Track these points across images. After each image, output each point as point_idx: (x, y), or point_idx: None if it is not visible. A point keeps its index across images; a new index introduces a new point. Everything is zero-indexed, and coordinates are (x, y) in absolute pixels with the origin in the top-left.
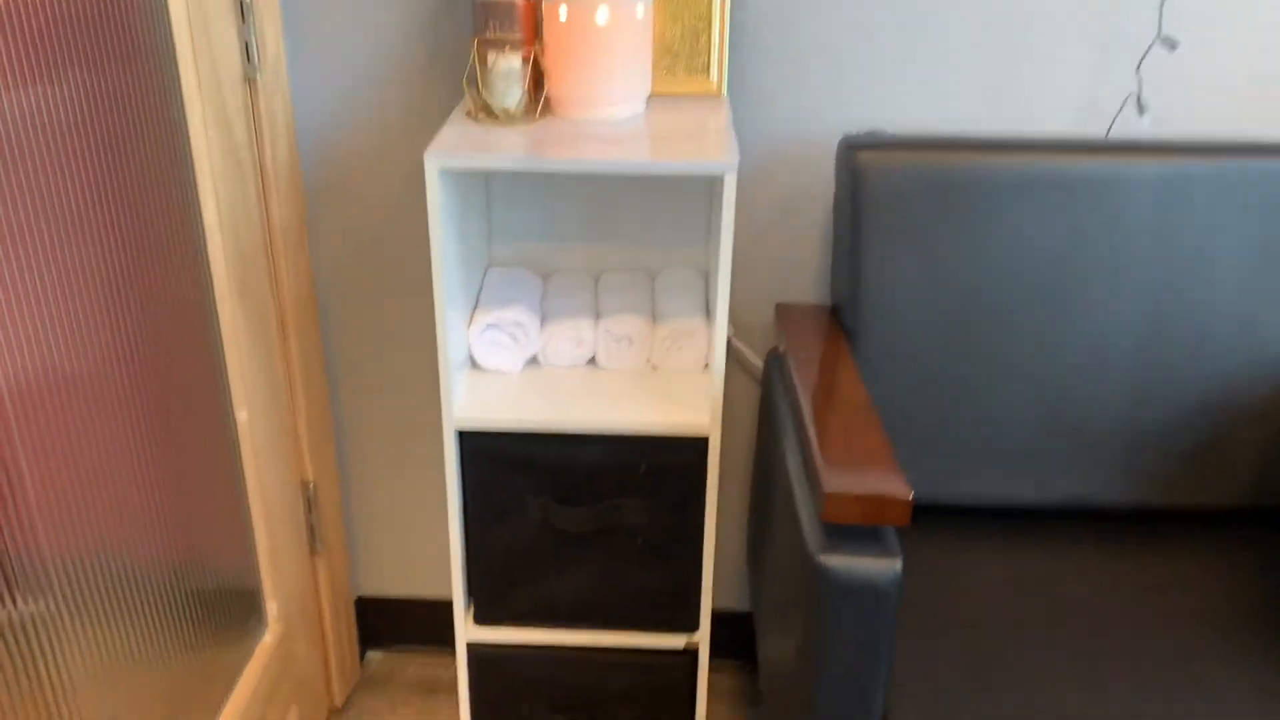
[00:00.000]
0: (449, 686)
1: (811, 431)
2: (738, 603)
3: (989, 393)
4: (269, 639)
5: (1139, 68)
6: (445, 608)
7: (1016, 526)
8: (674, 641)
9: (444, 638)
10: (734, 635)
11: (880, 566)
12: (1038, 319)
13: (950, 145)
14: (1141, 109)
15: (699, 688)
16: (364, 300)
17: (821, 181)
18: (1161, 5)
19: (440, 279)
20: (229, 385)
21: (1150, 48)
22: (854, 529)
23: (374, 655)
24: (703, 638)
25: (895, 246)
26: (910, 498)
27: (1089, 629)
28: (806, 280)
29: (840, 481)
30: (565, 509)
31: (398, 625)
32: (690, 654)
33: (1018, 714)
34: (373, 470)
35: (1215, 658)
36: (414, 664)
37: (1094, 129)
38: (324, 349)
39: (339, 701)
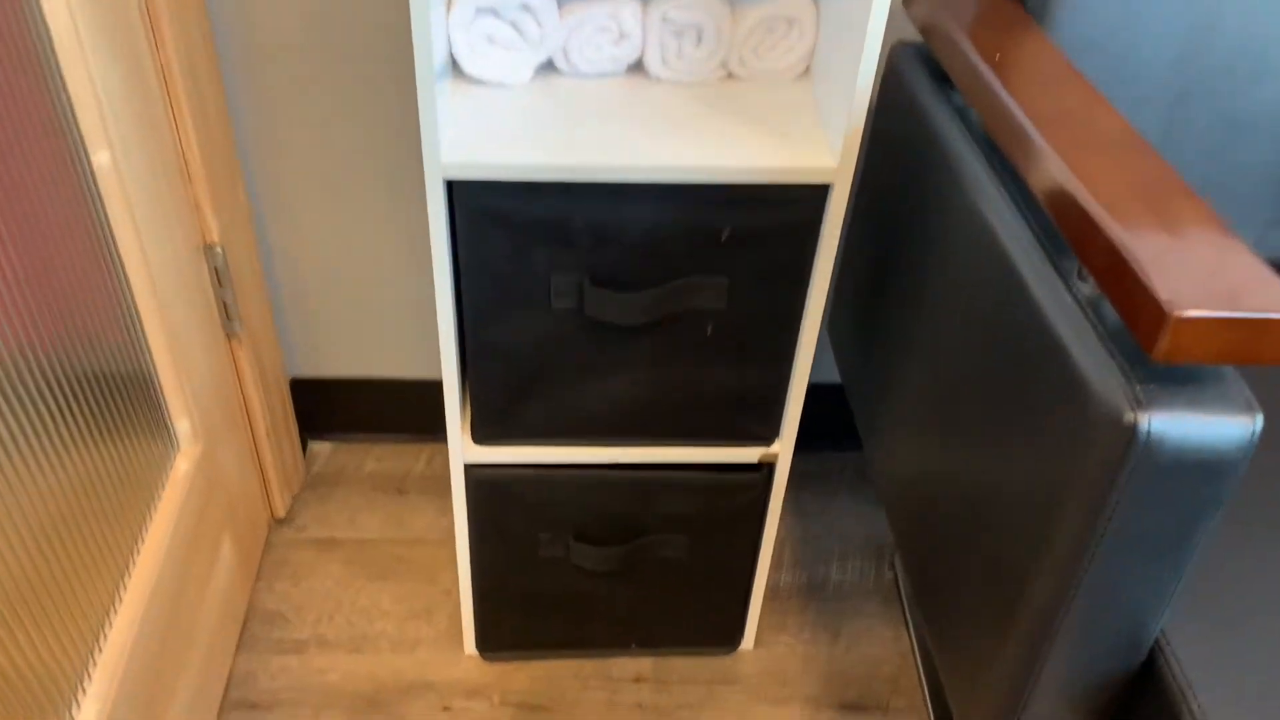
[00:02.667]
0: (422, 486)
1: (1081, 190)
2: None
3: (1224, 104)
4: (183, 464)
5: None
6: (409, 389)
7: None
8: (746, 455)
9: (408, 424)
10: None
11: (1235, 428)
12: None
13: None
14: None
15: (771, 507)
16: None
17: None
18: None
19: None
20: (74, 114)
21: None
22: (1177, 372)
23: (319, 448)
24: (785, 449)
25: None
26: None
27: None
28: None
29: (1194, 296)
30: (608, 294)
31: (348, 410)
32: (766, 468)
33: None
34: (301, 224)
35: None
36: (371, 456)
37: None
38: (217, 51)
39: (280, 510)
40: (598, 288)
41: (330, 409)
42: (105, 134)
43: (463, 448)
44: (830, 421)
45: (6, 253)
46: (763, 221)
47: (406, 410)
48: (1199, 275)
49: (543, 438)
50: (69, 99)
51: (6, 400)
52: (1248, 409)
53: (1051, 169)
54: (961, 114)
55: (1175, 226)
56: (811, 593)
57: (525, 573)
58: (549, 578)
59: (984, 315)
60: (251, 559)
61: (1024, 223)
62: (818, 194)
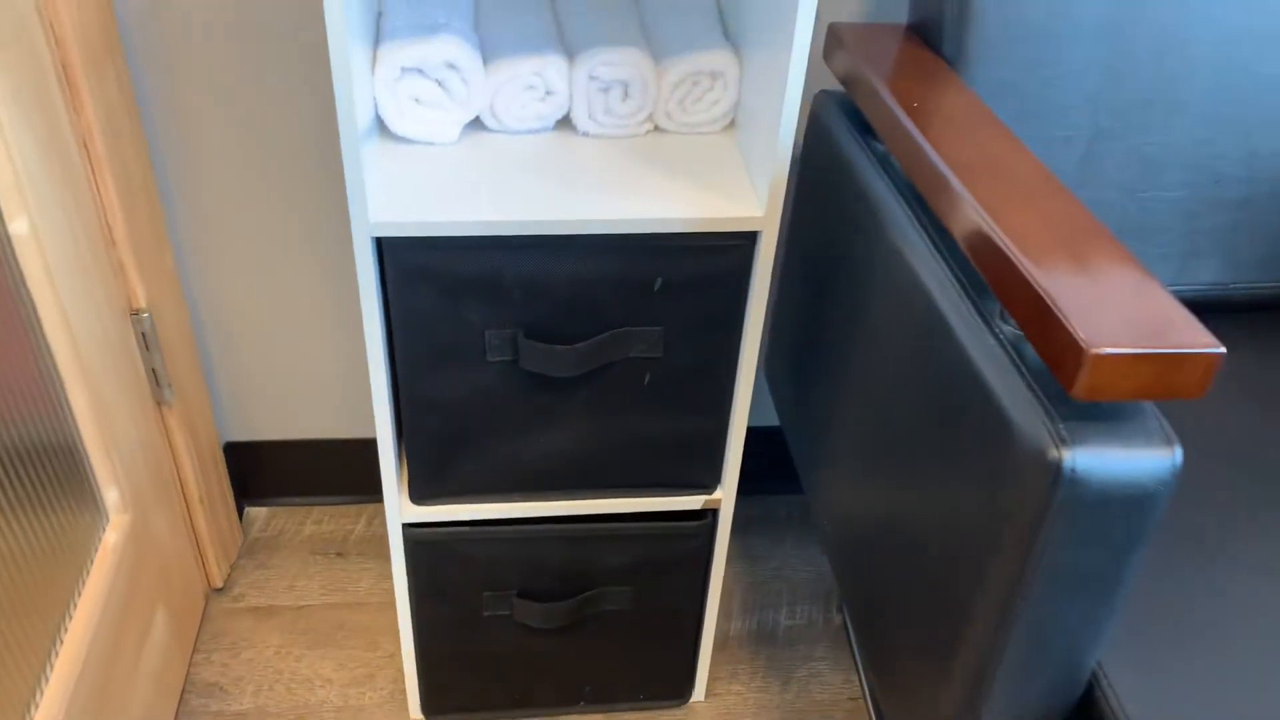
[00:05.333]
0: (361, 548)
1: (998, 233)
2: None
3: (1136, 142)
4: (113, 535)
5: None
6: (344, 449)
7: None
8: (688, 503)
9: (346, 486)
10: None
11: (1155, 460)
12: (1211, 38)
13: None
14: None
15: (716, 553)
16: (192, 22)
17: None
18: None
19: None
20: None
21: None
22: (1099, 408)
23: (256, 513)
24: (727, 495)
25: None
26: (1221, 351)
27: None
28: None
29: (1112, 335)
30: (543, 346)
31: (284, 474)
32: (709, 515)
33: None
34: (230, 286)
35: None
36: (309, 520)
37: None
38: (140, 112)
39: (217, 579)
40: (532, 341)
41: (266, 473)
42: (23, 201)
43: (400, 507)
44: (775, 465)
45: None
46: (694, 270)
47: (344, 471)
48: (1116, 314)
49: (482, 494)
50: None
51: None
52: (1167, 443)
53: (970, 214)
54: (883, 161)
55: (1092, 267)
56: (761, 640)
57: (469, 633)
58: (494, 637)
59: (910, 358)
60: (188, 630)
61: (947, 267)
62: (746, 241)
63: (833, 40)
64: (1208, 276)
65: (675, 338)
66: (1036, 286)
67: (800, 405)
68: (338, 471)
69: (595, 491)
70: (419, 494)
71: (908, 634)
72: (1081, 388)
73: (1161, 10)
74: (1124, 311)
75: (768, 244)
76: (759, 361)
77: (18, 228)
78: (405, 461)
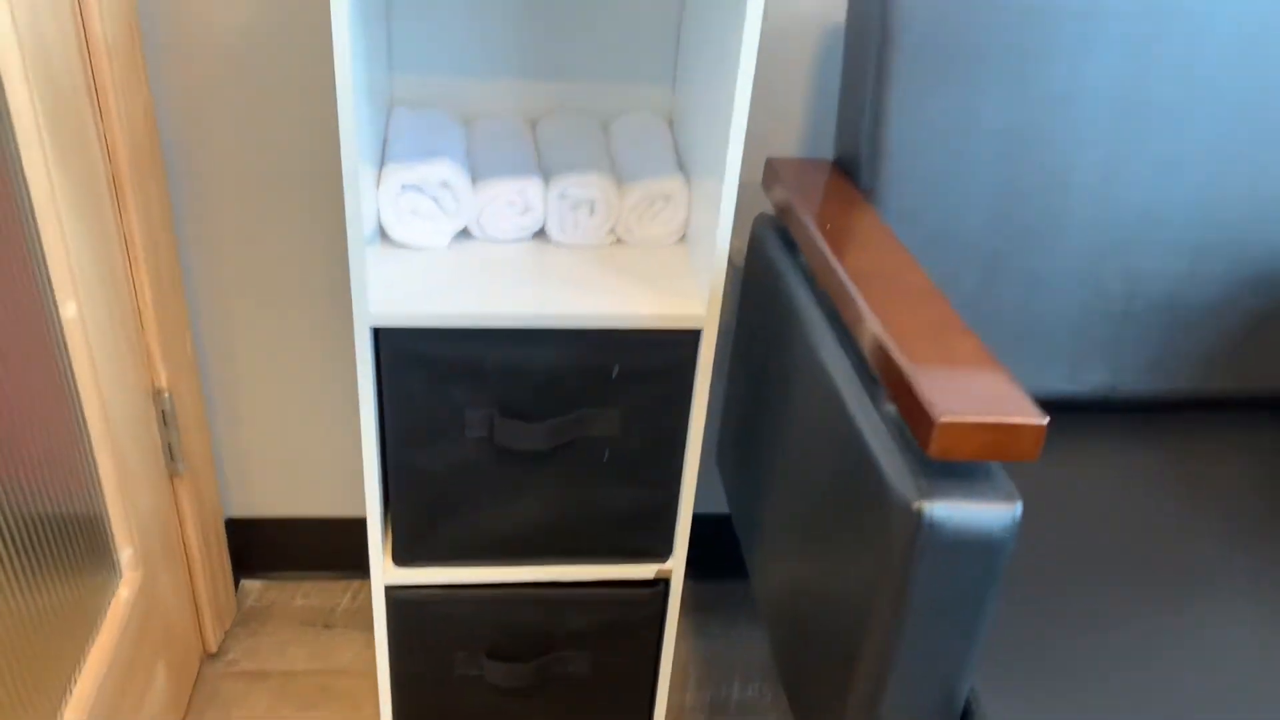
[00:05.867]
0: (347, 620)
1: (885, 333)
2: (699, 506)
3: (1027, 263)
4: (125, 592)
5: None
6: (335, 527)
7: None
8: (643, 571)
9: (334, 561)
10: (697, 542)
11: (999, 513)
12: (1091, 172)
13: None
14: None
15: (668, 621)
16: (224, 146)
17: (811, 3)
18: None
19: (350, 120)
20: (48, 269)
21: None
22: (956, 467)
23: (250, 586)
24: (677, 565)
25: (929, 84)
26: (1044, 423)
27: (1136, 531)
28: (788, 130)
29: (959, 407)
30: (515, 424)
31: (278, 549)
32: (661, 584)
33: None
34: (241, 370)
35: (1273, 551)
36: (299, 593)
37: None
38: (174, 215)
39: (212, 645)
40: (507, 419)
41: (262, 547)
42: (73, 288)
43: (384, 570)
44: (731, 550)
45: None
46: (646, 361)
47: (334, 548)
48: (962, 392)
49: (458, 559)
50: (44, 256)
51: None
52: (1009, 498)
53: (863, 314)
54: (805, 272)
55: (950, 358)
56: (714, 712)
57: (442, 692)
58: (465, 697)
59: (820, 438)
60: (183, 691)
61: (848, 360)
62: (691, 337)
63: (770, 172)
64: (1096, 379)
65: (631, 420)
66: (905, 371)
67: (742, 491)
68: (328, 548)
69: (559, 558)
70: (401, 557)
71: (821, 678)
72: (934, 449)
73: (1044, 152)
74: (969, 390)
75: (708, 340)
76: (713, 452)
77: (67, 312)
78: (390, 528)
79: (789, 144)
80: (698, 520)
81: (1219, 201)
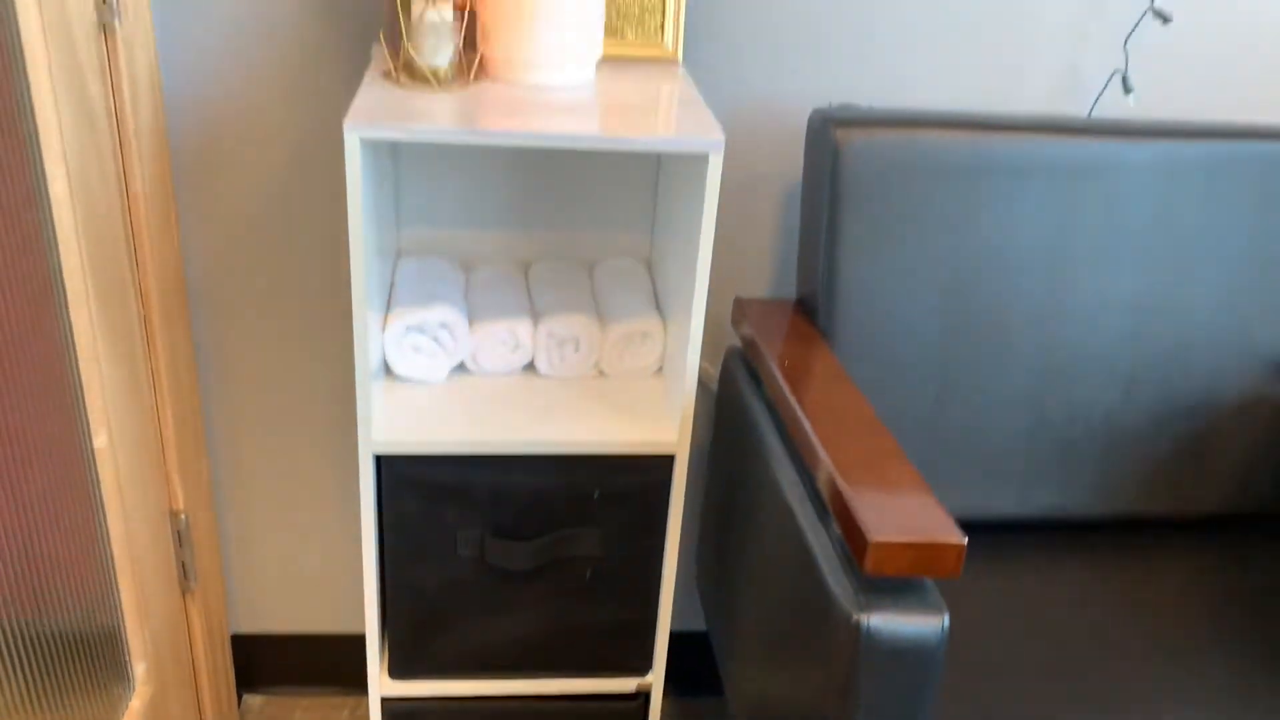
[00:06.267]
0: None
1: (829, 462)
2: (680, 623)
3: (974, 394)
4: (136, 703)
5: (1126, 42)
6: (336, 644)
7: (995, 542)
8: (623, 685)
9: (334, 678)
10: (678, 659)
11: (928, 624)
12: (1027, 311)
13: (936, 122)
14: (1128, 86)
15: None
16: (244, 294)
17: (777, 159)
18: None
19: (360, 273)
20: (84, 401)
21: (1140, 20)
22: (892, 582)
23: (252, 700)
24: (657, 679)
25: (875, 233)
26: (964, 542)
27: (1070, 647)
28: (758, 273)
29: (888, 528)
30: (503, 543)
31: (280, 665)
32: (642, 697)
33: None
34: (251, 494)
35: (1202, 667)
36: (299, 708)
37: (1074, 107)
38: (196, 353)
39: None
40: (496, 539)
41: (265, 663)
42: (105, 419)
43: (380, 684)
44: (713, 668)
45: (21, 521)
46: (625, 484)
47: (334, 664)
48: (893, 516)
49: (450, 673)
50: (82, 392)
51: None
52: (938, 611)
53: (813, 445)
54: (767, 404)
55: (886, 485)
56: None
57: None
58: None
59: (779, 556)
60: None
61: (801, 484)
62: (665, 462)
63: (738, 311)
64: (1045, 501)
65: (611, 539)
66: (845, 496)
67: (717, 607)
68: (328, 664)
69: (546, 672)
70: (397, 671)
71: None
72: (869, 566)
73: (983, 295)
74: (900, 514)
75: (681, 465)
76: (692, 573)
77: (99, 441)
78: (387, 642)
79: (761, 282)
80: (679, 637)
81: (1146, 337)
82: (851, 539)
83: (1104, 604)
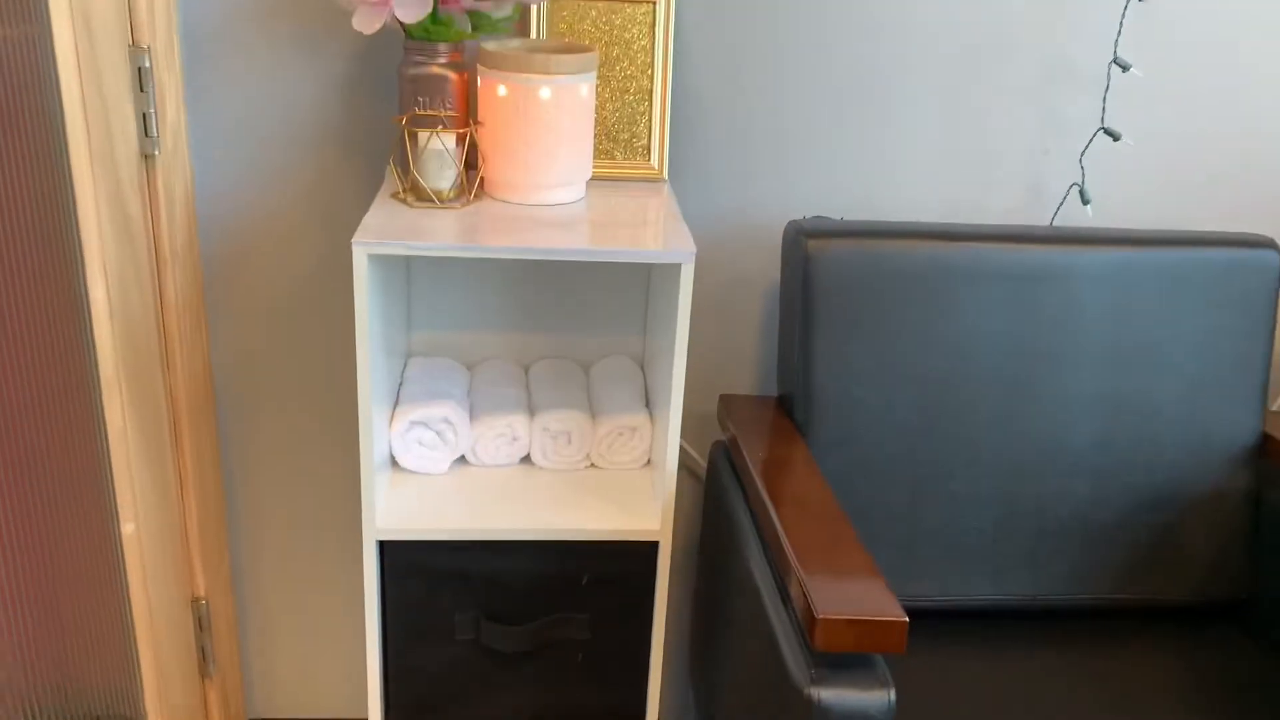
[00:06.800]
0: None
1: (788, 546)
2: (679, 717)
3: (946, 487)
4: None
5: (1082, 158)
6: None
7: (973, 628)
8: None
9: None
10: None
11: (875, 698)
12: (994, 409)
13: (901, 233)
14: (1085, 198)
15: None
16: (266, 393)
17: (760, 268)
18: (1104, 97)
19: (365, 373)
20: (114, 492)
21: (1093, 139)
22: (842, 657)
23: None
24: None
25: (847, 336)
26: (906, 620)
27: None
28: (745, 370)
29: (835, 607)
30: (498, 626)
31: None
32: None
33: None
34: (269, 581)
35: None
36: None
37: (1039, 217)
38: (220, 446)
39: None
40: (491, 622)
41: None
42: (133, 508)
43: None
44: None
45: (52, 597)
46: (612, 569)
47: None
48: (841, 595)
49: None
50: (113, 484)
51: None
52: (884, 685)
53: (777, 531)
54: (744, 495)
55: (838, 568)
56: None
57: None
58: None
59: (749, 640)
60: None
61: (769, 569)
62: (650, 549)
63: (722, 408)
64: (1019, 588)
65: (600, 624)
66: (799, 578)
67: (704, 700)
68: None
69: None
70: None
71: None
72: (817, 642)
73: (950, 391)
74: (848, 594)
75: (664, 551)
76: (687, 666)
77: (127, 530)
78: None
79: (749, 380)
80: None
81: (1111, 434)
82: (804, 617)
83: (1078, 687)
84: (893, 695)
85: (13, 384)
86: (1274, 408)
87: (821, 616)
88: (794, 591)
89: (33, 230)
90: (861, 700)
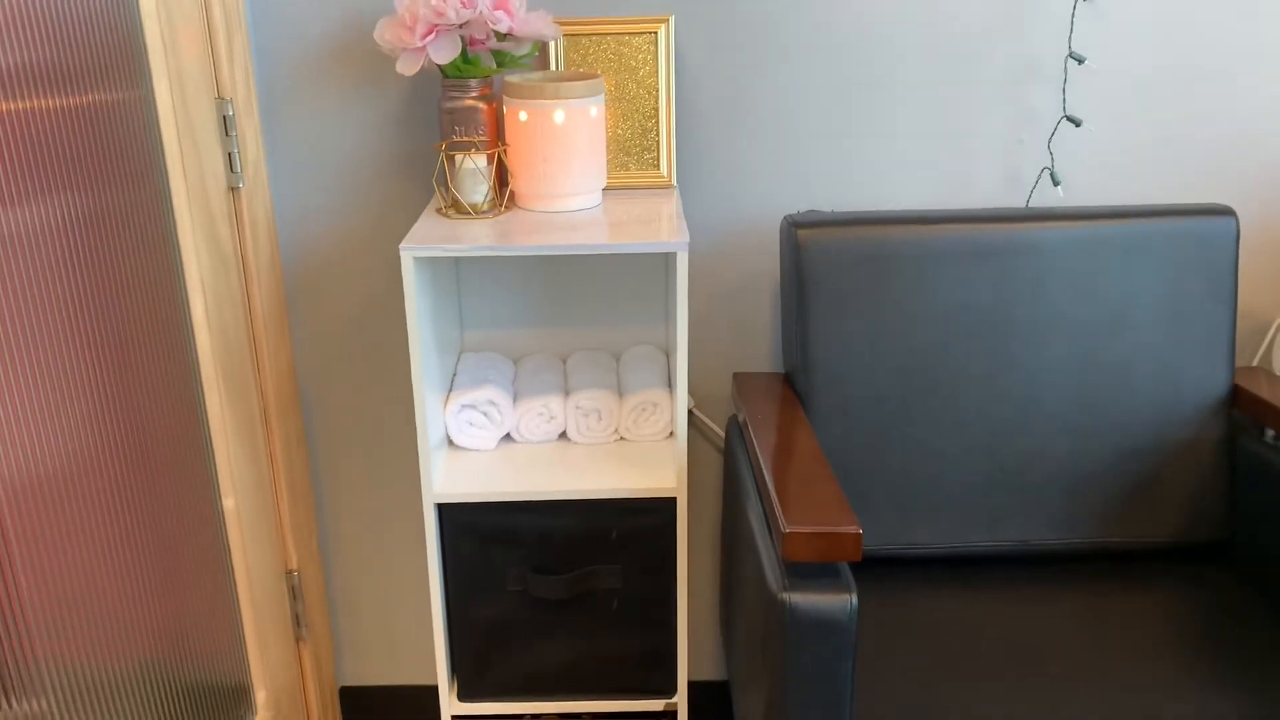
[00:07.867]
0: None
1: (770, 483)
2: (716, 672)
3: (936, 445)
4: None
5: (1050, 144)
6: (430, 693)
7: (968, 573)
8: (653, 705)
9: None
10: (714, 705)
11: (838, 600)
12: (977, 374)
13: (883, 220)
14: (1055, 180)
15: None
16: (343, 387)
17: (769, 259)
18: (1064, 88)
19: (417, 361)
20: (216, 474)
21: (1057, 126)
22: (812, 570)
23: None
24: (680, 700)
25: (838, 315)
26: (859, 531)
27: (1038, 665)
28: (761, 351)
29: (797, 522)
30: (542, 577)
31: (382, 716)
32: (670, 716)
33: None
34: (353, 555)
35: (1158, 688)
36: None
37: (1015, 201)
38: (306, 432)
39: None
40: (536, 574)
41: (371, 712)
42: (233, 486)
43: (450, 705)
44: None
45: (168, 584)
46: (638, 525)
47: (424, 711)
48: (806, 514)
49: (505, 695)
50: (214, 464)
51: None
52: (848, 590)
53: (763, 471)
54: (749, 454)
55: (809, 496)
56: None
57: None
58: None
59: (746, 568)
60: None
61: (760, 506)
62: (670, 504)
63: (736, 384)
64: (1010, 535)
65: (630, 573)
66: (774, 503)
67: (728, 640)
68: (420, 712)
69: (585, 694)
70: (464, 693)
71: None
72: (786, 551)
73: (936, 360)
74: (811, 512)
75: (681, 506)
76: (717, 617)
77: (228, 504)
78: (455, 670)
79: (763, 361)
80: (710, 686)
81: (1086, 391)
82: (776, 534)
83: (1066, 620)
84: (854, 599)
85: (132, 383)
86: (1255, 363)
87: (788, 531)
88: (770, 514)
89: (143, 256)
90: (829, 603)
